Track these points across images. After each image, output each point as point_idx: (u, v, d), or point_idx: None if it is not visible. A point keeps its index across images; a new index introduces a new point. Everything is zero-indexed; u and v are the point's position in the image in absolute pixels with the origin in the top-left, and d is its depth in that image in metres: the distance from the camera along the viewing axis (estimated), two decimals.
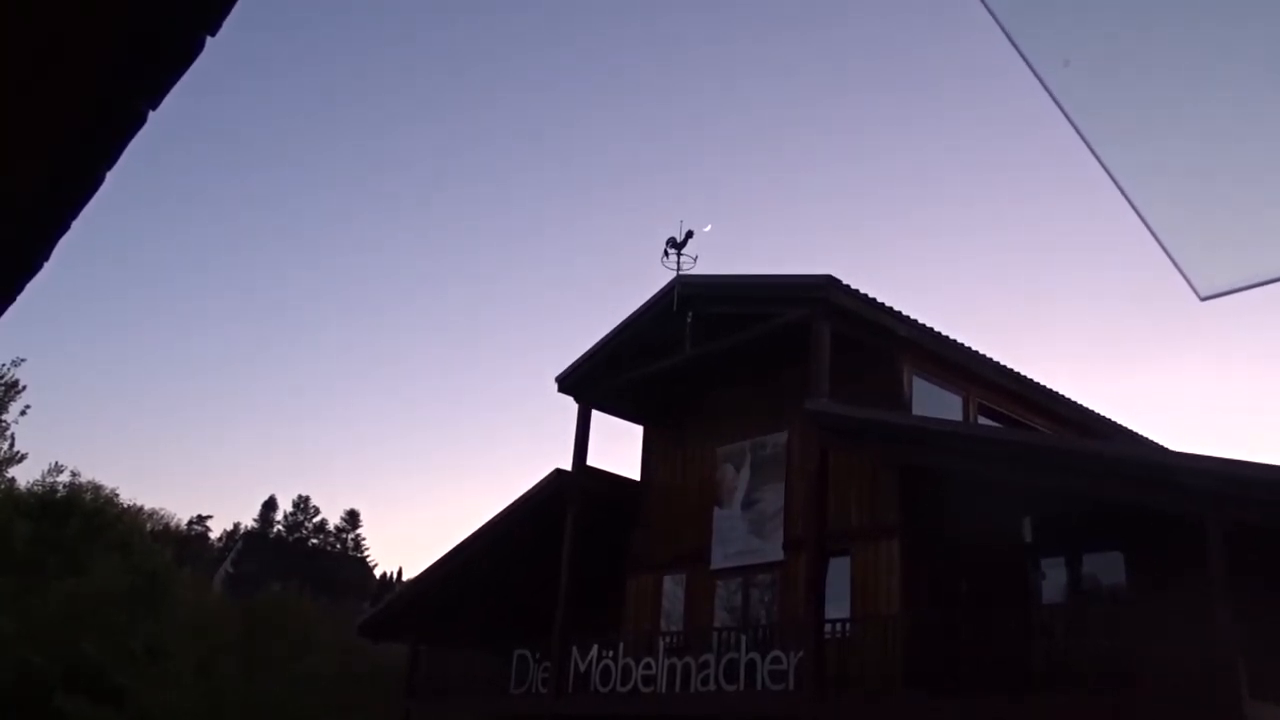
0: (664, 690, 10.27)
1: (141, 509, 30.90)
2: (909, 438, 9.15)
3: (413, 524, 70.05)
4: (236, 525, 53.02)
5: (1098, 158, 0.90)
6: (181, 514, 54.40)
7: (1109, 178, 0.93)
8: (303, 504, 53.86)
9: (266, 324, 64.75)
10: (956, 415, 10.89)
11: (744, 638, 9.99)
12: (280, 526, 53.03)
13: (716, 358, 11.64)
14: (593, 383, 12.59)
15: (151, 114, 1.37)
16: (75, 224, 1.50)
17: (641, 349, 12.23)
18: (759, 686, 9.50)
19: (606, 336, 12.58)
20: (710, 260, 12.39)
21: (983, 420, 11.07)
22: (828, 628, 9.52)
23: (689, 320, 11.18)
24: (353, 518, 54.21)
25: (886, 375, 10.62)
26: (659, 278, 12.45)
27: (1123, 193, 0.93)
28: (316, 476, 64.92)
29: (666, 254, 11.33)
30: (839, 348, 10.27)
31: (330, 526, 53.66)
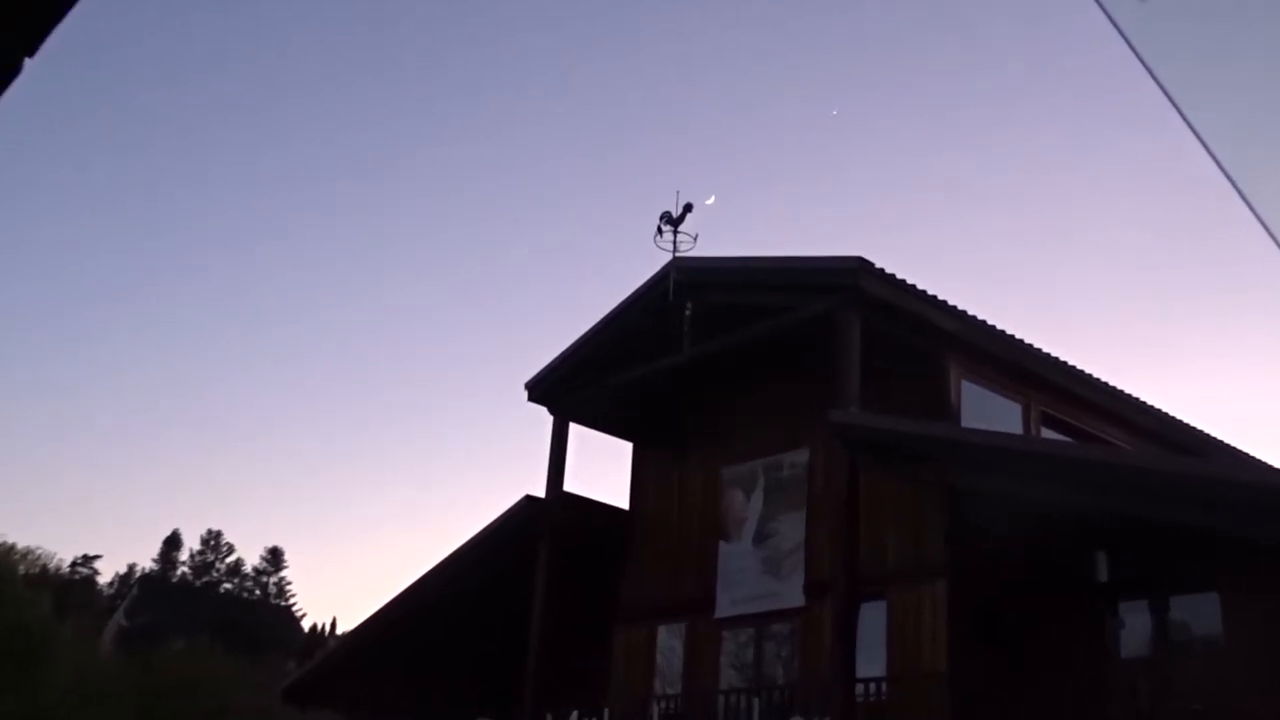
0: None
1: (12, 548, 30.72)
2: (957, 455, 9.12)
3: (350, 565, 69.69)
4: (131, 567, 52.90)
5: (1188, 123, 0.90)
6: (63, 553, 54.26)
7: (1200, 144, 0.93)
8: (213, 541, 53.60)
9: (164, 326, 64.28)
10: (1016, 427, 10.88)
11: (757, 702, 9.87)
12: (185, 568, 52.82)
13: (721, 359, 11.59)
14: (570, 390, 12.59)
15: None
16: None
17: (630, 349, 12.21)
18: None
19: (587, 334, 12.54)
20: (713, 242, 12.48)
21: (1047, 433, 11.03)
22: (859, 689, 9.41)
23: (687, 313, 11.16)
24: (275, 557, 54.10)
25: (930, 379, 10.57)
26: (649, 263, 12.03)
27: (1214, 159, 0.93)
28: (230, 507, 64.52)
29: (660, 232, 11.31)
30: (871, 346, 10.23)
31: (247, 568, 53.67)
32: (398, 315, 62.84)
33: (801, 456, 11.39)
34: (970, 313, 10.73)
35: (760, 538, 11.42)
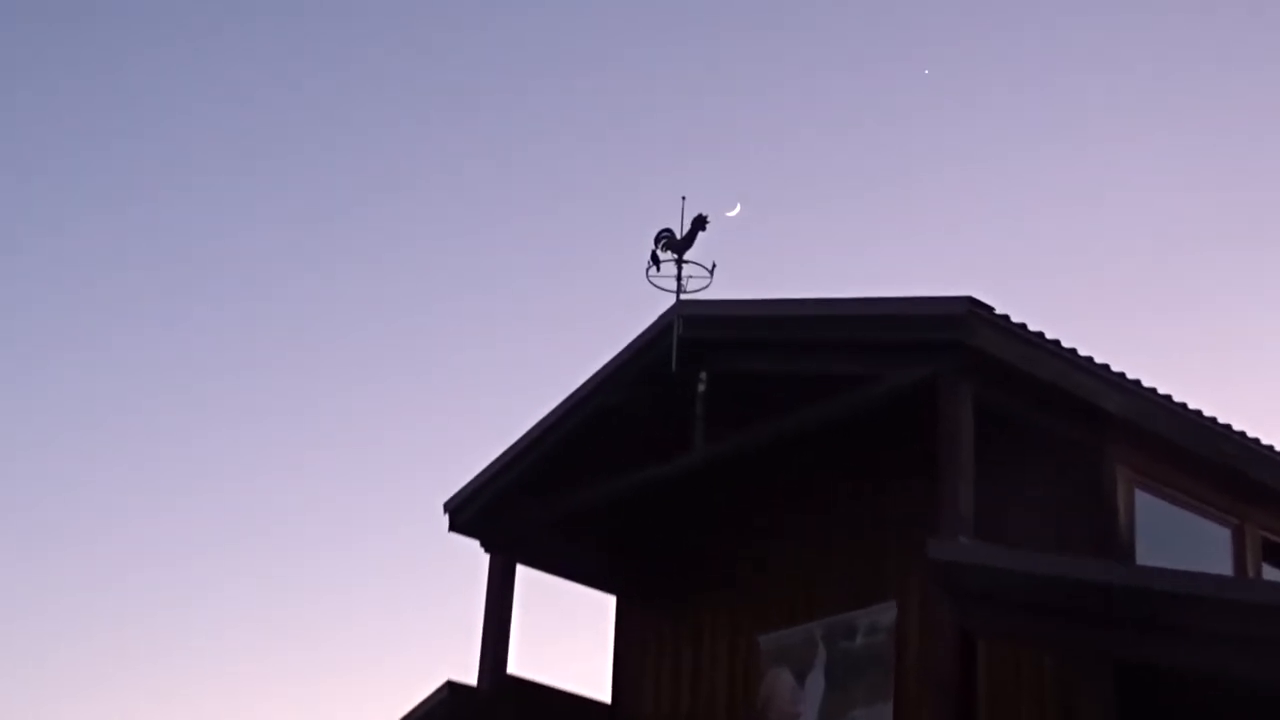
0: None
1: None
2: (1129, 611, 8.46)
3: None
4: None
5: None
6: None
7: None
8: None
9: None
10: (1225, 565, 10.34)
11: None
12: None
13: (754, 462, 10.88)
14: (515, 514, 11.77)
15: None
16: None
17: (608, 448, 11.42)
18: None
19: (541, 426, 11.63)
20: (734, 276, 11.72)
21: (1272, 574, 10.60)
22: None
23: (700, 389, 10.43)
24: None
25: (1082, 488, 9.88)
26: (639, 309, 11.33)
27: None
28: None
29: (656, 262, 10.68)
30: (989, 437, 9.36)
31: None
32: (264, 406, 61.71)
33: (884, 614, 10.58)
34: (1144, 383, 9.84)
35: None
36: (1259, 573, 10.39)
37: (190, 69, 26.28)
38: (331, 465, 31.02)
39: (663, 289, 10.91)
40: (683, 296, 10.81)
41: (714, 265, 10.86)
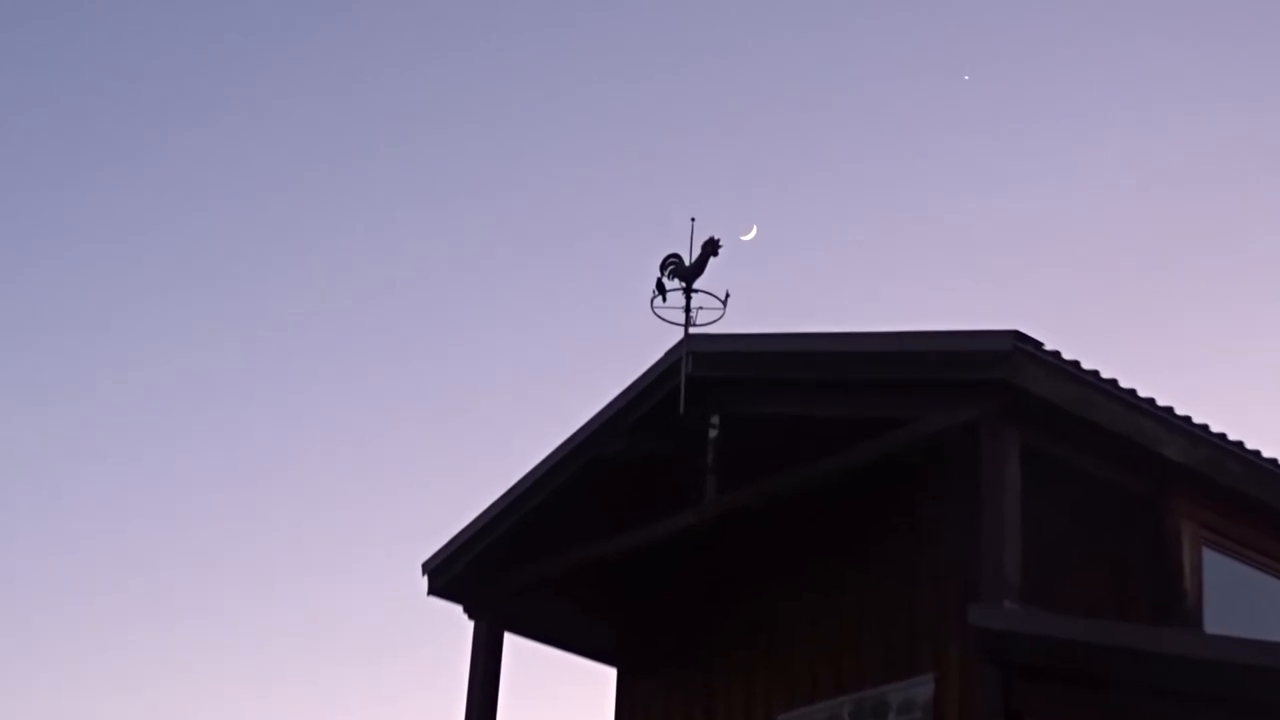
0: None
1: None
2: (1199, 689, 8.41)
3: None
4: None
5: None
6: None
7: None
8: None
9: None
10: None
11: None
12: None
13: (771, 517, 10.73)
14: (502, 575, 11.68)
15: None
16: None
17: (607, 500, 11.36)
18: None
19: (533, 474, 11.47)
20: (747, 309, 11.62)
21: None
22: None
23: (712, 435, 10.33)
24: None
25: (1141, 543, 9.88)
26: (642, 345, 11.23)
27: None
28: None
29: (662, 292, 10.57)
30: (1036, 484, 9.23)
31: None
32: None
33: (920, 689, 10.41)
34: (1212, 428, 9.67)
35: None
36: None
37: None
38: (308, 517, 30.09)
39: (669, 322, 10.78)
40: (692, 330, 10.63)
41: (727, 295, 10.69)
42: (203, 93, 26.25)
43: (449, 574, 11.73)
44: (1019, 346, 8.90)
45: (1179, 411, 9.48)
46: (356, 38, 26.14)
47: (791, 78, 25.97)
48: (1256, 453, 9.83)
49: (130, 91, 26.34)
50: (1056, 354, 9.08)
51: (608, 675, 12.59)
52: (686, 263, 10.81)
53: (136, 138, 26.57)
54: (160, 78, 26.38)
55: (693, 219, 10.79)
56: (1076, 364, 9.16)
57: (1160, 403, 9.41)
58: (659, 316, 10.78)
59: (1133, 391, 9.30)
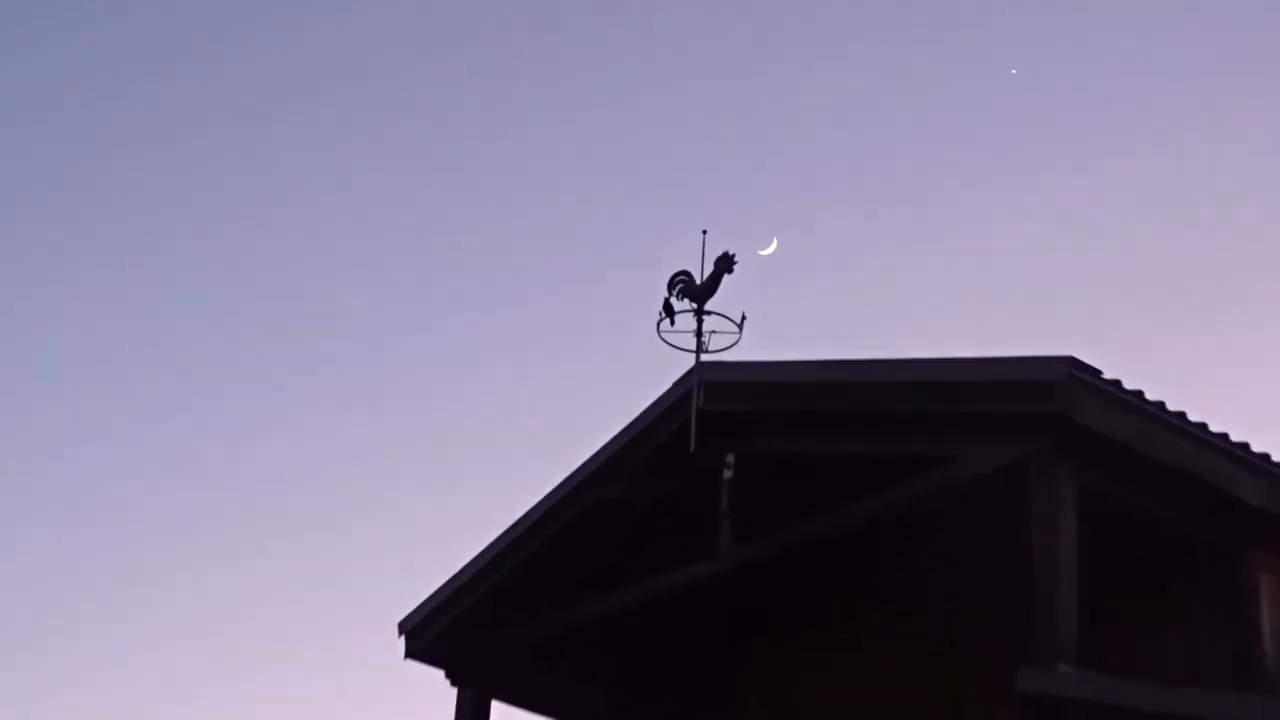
0: None
1: None
2: None
3: None
4: None
5: None
6: None
7: None
8: None
9: None
10: None
11: None
12: None
13: (794, 566, 10.69)
14: (488, 635, 11.65)
15: None
16: None
17: (606, 551, 11.42)
18: None
19: (523, 522, 11.37)
20: (765, 335, 11.63)
21: None
22: None
23: (726, 475, 10.21)
24: None
25: (1214, 598, 9.76)
26: (644, 377, 11.46)
27: None
28: None
29: (670, 314, 10.51)
30: (1093, 531, 9.06)
31: None
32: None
33: None
34: None
35: None
36: None
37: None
38: (285, 569, 29.63)
39: (678, 348, 10.62)
40: (704, 357, 10.50)
41: (743, 317, 10.50)
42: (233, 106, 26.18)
43: (429, 635, 11.61)
44: (1074, 375, 8.62)
45: (1256, 449, 9.23)
46: (351, 57, 26.03)
47: (810, 77, 25.34)
48: None
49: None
50: (1116, 383, 8.78)
51: None
52: (697, 281, 10.60)
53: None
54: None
55: (704, 232, 10.57)
56: (1139, 394, 8.84)
57: (1234, 439, 9.16)
58: (667, 342, 10.58)
59: (1203, 426, 9.01)
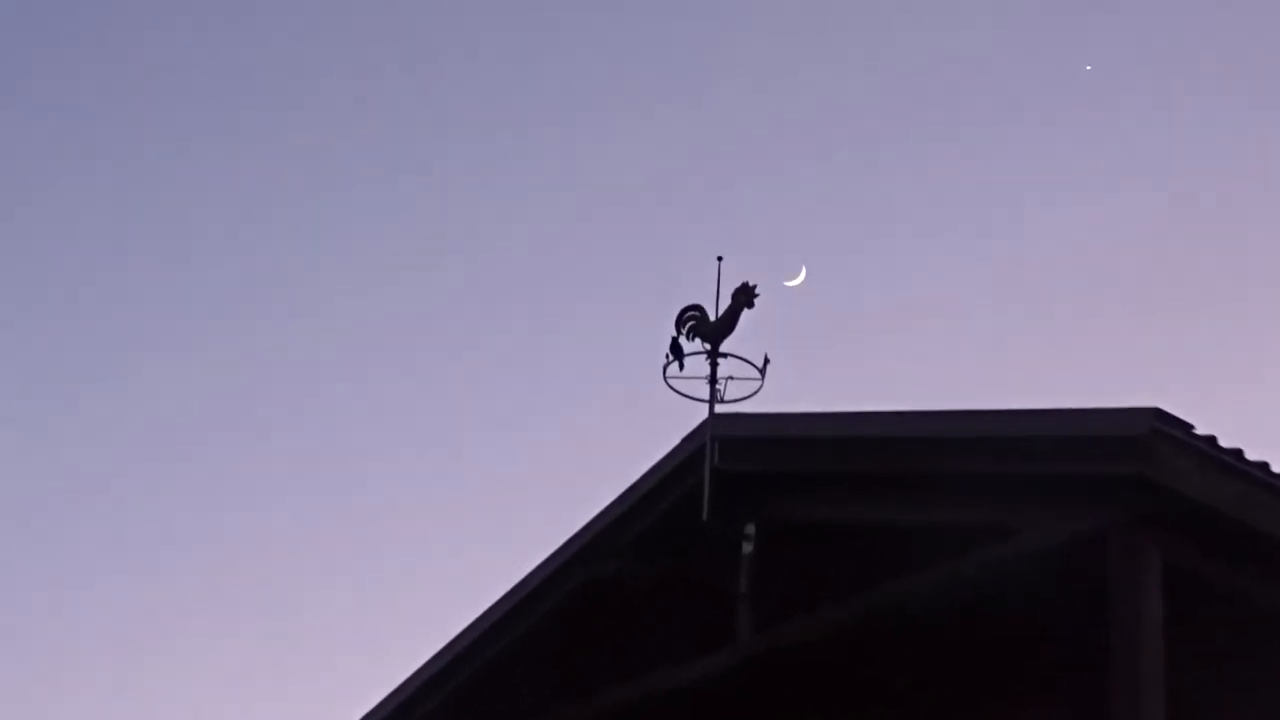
0: None
1: None
2: None
3: None
4: None
5: None
6: None
7: None
8: None
9: None
10: None
11: None
12: None
13: (823, 657, 10.29)
14: None
15: None
16: None
17: (599, 641, 11.24)
18: None
19: (499, 609, 11.18)
20: (791, 382, 11.36)
21: None
22: None
23: (746, 547, 10.07)
24: None
25: None
26: (651, 432, 10.62)
27: None
28: None
29: (678, 356, 10.27)
30: (1183, 610, 8.69)
31: None
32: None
33: None
34: None
35: None
36: None
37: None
38: (233, 659, 29.65)
39: (689, 396, 10.29)
40: (719, 408, 10.16)
41: (766, 361, 10.09)
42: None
43: None
44: (1160, 429, 8.18)
45: None
46: (350, 79, 26.08)
47: (849, 80, 24.85)
48: None
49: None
50: (1211, 439, 8.31)
51: None
52: (712, 318, 10.21)
53: None
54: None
55: (720, 258, 10.27)
56: (1239, 453, 8.37)
57: None
58: (675, 390, 10.21)
59: None
